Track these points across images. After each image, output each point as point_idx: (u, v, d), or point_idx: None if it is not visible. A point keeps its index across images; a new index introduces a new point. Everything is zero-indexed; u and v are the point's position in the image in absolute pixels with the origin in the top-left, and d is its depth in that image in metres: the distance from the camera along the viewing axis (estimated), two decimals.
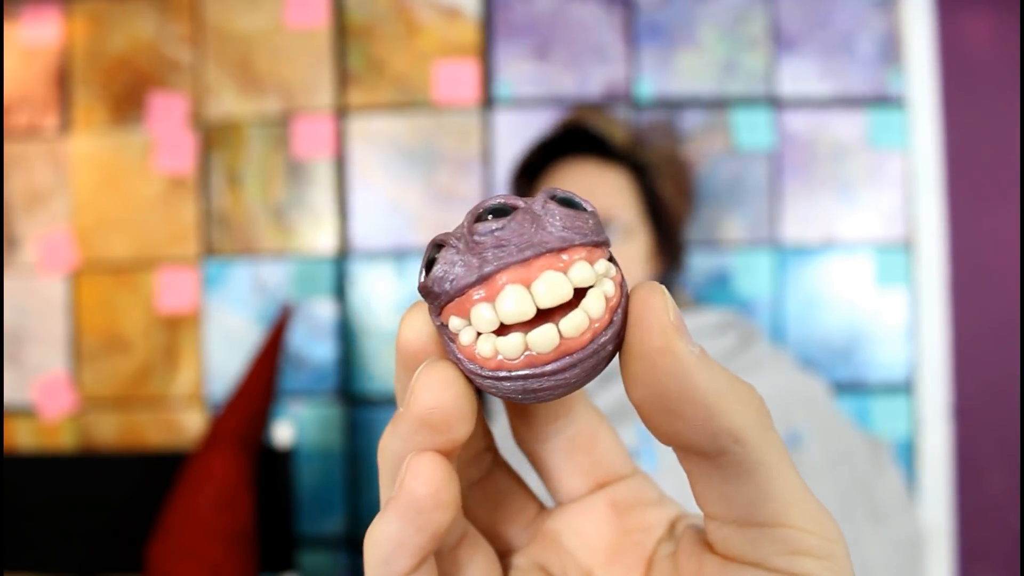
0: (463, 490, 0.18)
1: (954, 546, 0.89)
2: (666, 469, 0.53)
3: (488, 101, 0.95)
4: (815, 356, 0.92)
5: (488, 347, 0.14)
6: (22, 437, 0.98)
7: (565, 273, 0.14)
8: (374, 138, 0.96)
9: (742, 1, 0.93)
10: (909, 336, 0.91)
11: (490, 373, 0.14)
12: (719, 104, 0.93)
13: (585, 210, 0.15)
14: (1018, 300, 0.90)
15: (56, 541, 0.91)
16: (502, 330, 0.14)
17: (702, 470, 0.15)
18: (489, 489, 0.19)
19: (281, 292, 0.96)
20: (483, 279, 0.14)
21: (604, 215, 0.71)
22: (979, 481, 0.90)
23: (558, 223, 0.14)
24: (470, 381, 0.15)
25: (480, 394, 0.16)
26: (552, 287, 0.14)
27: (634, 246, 0.72)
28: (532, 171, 0.80)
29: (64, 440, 0.97)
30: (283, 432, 0.89)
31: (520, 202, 0.14)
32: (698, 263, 0.93)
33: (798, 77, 0.93)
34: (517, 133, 0.94)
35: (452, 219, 0.95)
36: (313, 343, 0.95)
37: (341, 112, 0.96)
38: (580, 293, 0.14)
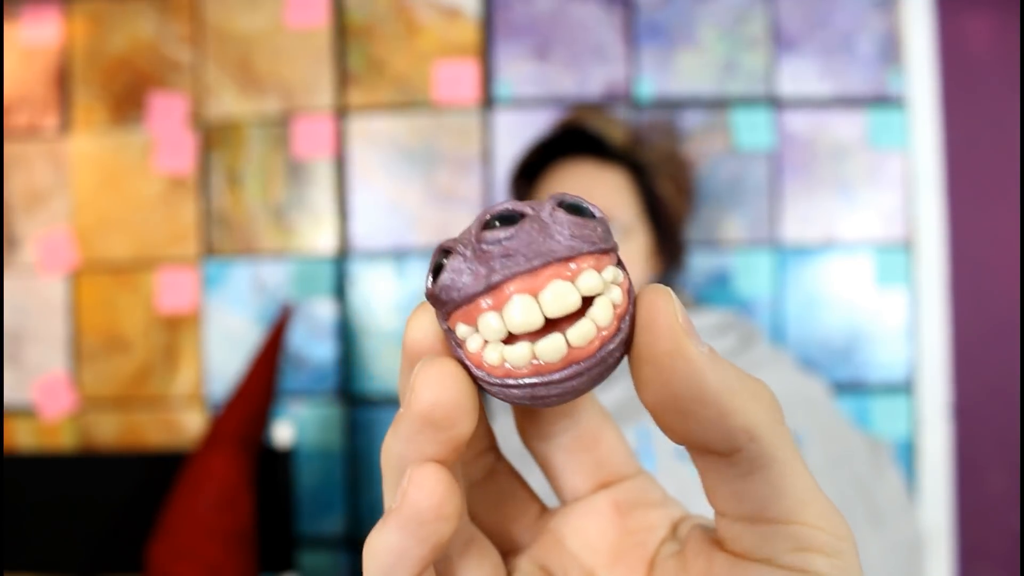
0: (465, 490, 0.18)
1: (954, 546, 0.89)
2: (665, 471, 0.53)
3: (488, 101, 0.95)
4: (815, 356, 0.92)
5: (495, 355, 0.14)
6: (22, 437, 0.98)
7: (573, 282, 0.14)
8: (374, 138, 0.96)
9: (742, 1, 0.93)
10: (909, 336, 0.91)
11: (497, 380, 0.15)
12: (719, 104, 0.93)
13: (593, 217, 0.15)
14: (1018, 300, 0.90)
15: (56, 541, 0.91)
16: (510, 339, 0.14)
17: (715, 468, 0.15)
18: (491, 489, 0.19)
19: (281, 292, 0.96)
20: (491, 288, 0.14)
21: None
22: (979, 481, 0.90)
23: (566, 231, 0.14)
24: (473, 380, 0.15)
25: (481, 394, 0.16)
26: (559, 297, 0.14)
27: (633, 246, 0.72)
28: (530, 172, 0.80)
29: (64, 440, 0.97)
30: (283, 432, 0.89)
31: (528, 209, 0.14)
32: (698, 263, 0.93)
33: (798, 77, 0.93)
34: (517, 133, 0.94)
35: (452, 219, 0.95)
36: (313, 343, 0.95)
37: (341, 112, 0.96)
38: (588, 300, 0.14)
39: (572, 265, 0.14)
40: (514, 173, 0.82)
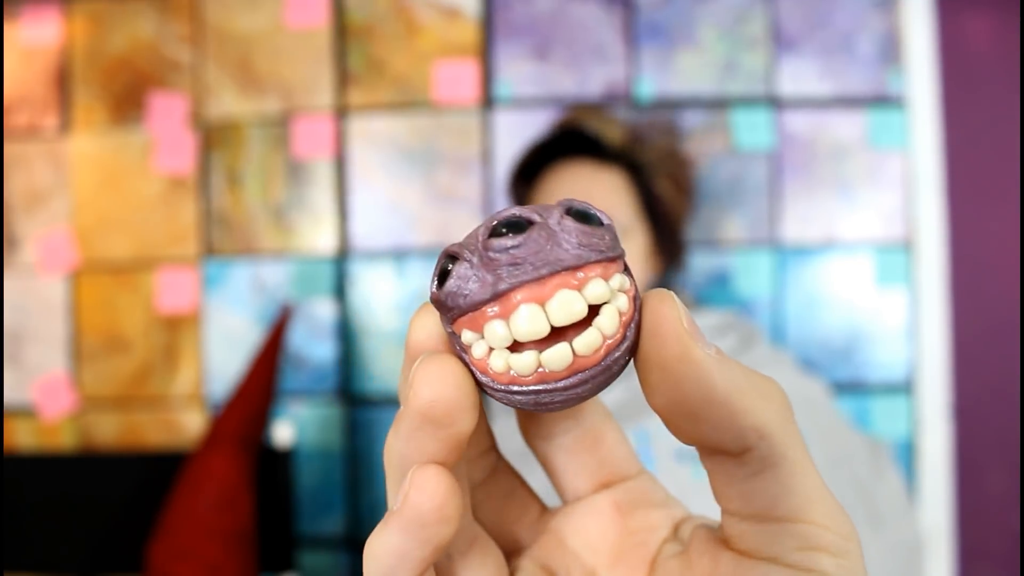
0: (468, 490, 0.18)
1: (954, 546, 0.89)
2: (664, 473, 0.53)
3: (488, 101, 0.95)
4: (815, 356, 0.92)
5: (501, 363, 0.14)
6: (22, 437, 0.98)
7: (580, 291, 0.14)
8: (374, 138, 0.96)
9: (742, 1, 0.93)
10: (909, 336, 0.91)
11: (502, 387, 0.15)
12: (719, 104, 0.93)
13: (601, 224, 0.15)
14: (1018, 300, 0.90)
15: (56, 541, 0.91)
16: (515, 346, 0.14)
17: (724, 467, 0.15)
18: (492, 490, 0.19)
19: (281, 292, 0.96)
20: (497, 296, 0.14)
21: None
22: (979, 481, 0.90)
23: (573, 239, 0.14)
24: (477, 384, 0.15)
25: (481, 394, 0.16)
26: (566, 306, 0.14)
27: (631, 246, 0.72)
28: (528, 174, 0.80)
29: (64, 440, 0.97)
30: (283, 432, 0.89)
31: (536, 216, 0.14)
32: (698, 263, 0.93)
33: (798, 77, 0.93)
34: (517, 133, 0.94)
35: (452, 219, 0.95)
36: (313, 343, 0.95)
37: (341, 112, 0.96)
38: (594, 308, 0.14)
39: (579, 274, 0.14)
40: (512, 175, 0.82)
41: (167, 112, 0.98)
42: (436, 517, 0.14)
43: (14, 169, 0.99)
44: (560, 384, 0.14)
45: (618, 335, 0.14)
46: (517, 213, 0.14)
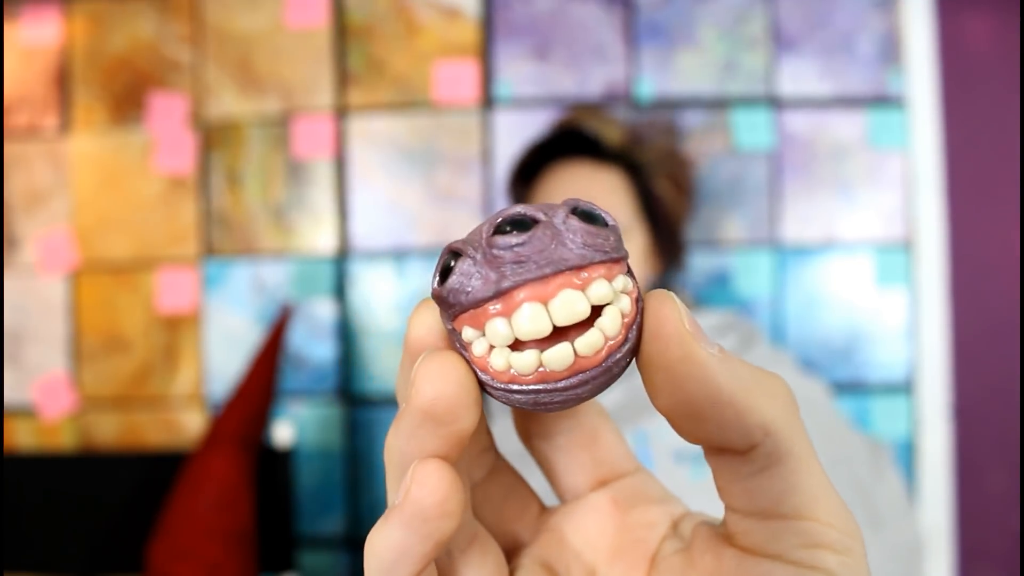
0: (469, 487, 0.18)
1: (954, 546, 0.89)
2: (663, 473, 0.53)
3: (488, 101, 0.95)
4: (815, 356, 0.92)
5: (502, 361, 0.14)
6: (22, 437, 0.98)
7: (583, 291, 0.14)
8: (374, 138, 0.96)
9: (742, 1, 0.93)
10: (909, 336, 0.91)
11: (502, 385, 0.15)
12: (719, 104, 0.93)
13: (606, 225, 0.15)
14: (1018, 300, 0.90)
15: (56, 541, 0.91)
16: (516, 344, 0.14)
17: (729, 465, 0.15)
18: (492, 489, 0.19)
19: (281, 292, 0.96)
20: (500, 294, 0.14)
21: None
22: (979, 481, 0.90)
23: (578, 239, 0.14)
24: (477, 382, 0.15)
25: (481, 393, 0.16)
26: (569, 306, 0.14)
27: (630, 247, 0.72)
28: (527, 174, 0.80)
29: (64, 440, 0.97)
30: (283, 432, 0.89)
31: (541, 214, 0.14)
32: (698, 263, 0.93)
33: (798, 77, 0.93)
34: (517, 133, 0.94)
35: (452, 219, 0.95)
36: (313, 343, 0.95)
37: (341, 112, 0.96)
38: (597, 309, 0.14)
39: (583, 274, 0.14)
40: (511, 177, 0.82)
41: (167, 112, 0.98)
42: (438, 512, 0.14)
43: (14, 169, 0.99)
44: (560, 384, 0.14)
45: (620, 336, 0.14)
46: (522, 211, 0.14)
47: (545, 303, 0.14)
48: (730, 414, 0.14)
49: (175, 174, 0.98)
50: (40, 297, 0.99)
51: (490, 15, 0.95)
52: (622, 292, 0.15)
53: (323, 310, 0.96)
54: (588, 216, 0.15)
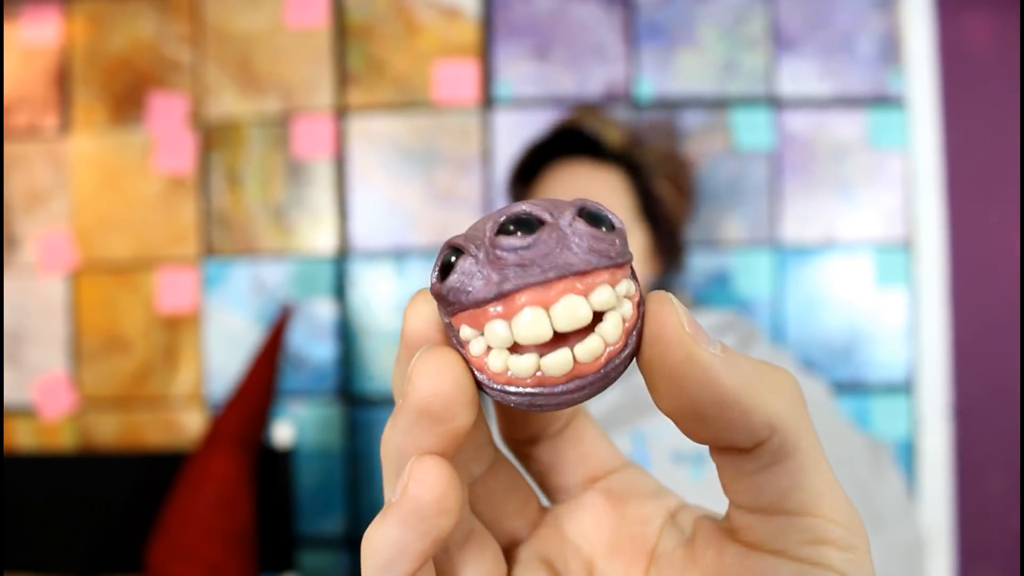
0: (467, 485, 0.18)
1: (954, 546, 0.89)
2: (662, 474, 0.53)
3: (488, 101, 0.95)
4: (815, 356, 0.92)
5: (500, 363, 0.14)
6: (22, 437, 0.98)
7: (586, 296, 0.14)
8: (374, 138, 0.96)
9: (742, 1, 0.93)
10: (909, 336, 0.91)
11: (498, 386, 0.14)
12: (719, 104, 0.93)
13: (613, 228, 0.14)
14: (1018, 300, 0.90)
15: (56, 541, 0.91)
16: (515, 347, 0.14)
17: (735, 462, 0.15)
18: (491, 484, 0.19)
19: (281, 292, 0.96)
20: (502, 296, 0.14)
21: None
22: (979, 481, 0.90)
23: (584, 243, 0.14)
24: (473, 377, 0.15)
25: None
26: (571, 312, 0.14)
27: (630, 247, 0.72)
28: (527, 174, 0.80)
29: (64, 440, 0.97)
30: (283, 432, 0.89)
31: (546, 215, 0.14)
32: (698, 263, 0.93)
33: (798, 77, 0.93)
34: (517, 133, 0.94)
35: (452, 219, 0.95)
36: (313, 343, 0.95)
37: (341, 112, 0.96)
38: (598, 313, 0.14)
39: (587, 279, 0.14)
40: (511, 177, 0.82)
41: (167, 112, 0.98)
42: (436, 509, 0.14)
43: (14, 169, 0.99)
44: (558, 389, 0.14)
45: (620, 342, 0.14)
46: (527, 210, 0.14)
47: (547, 308, 0.14)
48: (736, 414, 0.14)
49: (175, 174, 0.98)
50: (40, 297, 0.99)
51: (490, 15, 0.95)
52: (625, 296, 0.15)
53: (323, 310, 0.96)
54: (595, 218, 0.14)
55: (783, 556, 0.14)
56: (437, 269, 0.15)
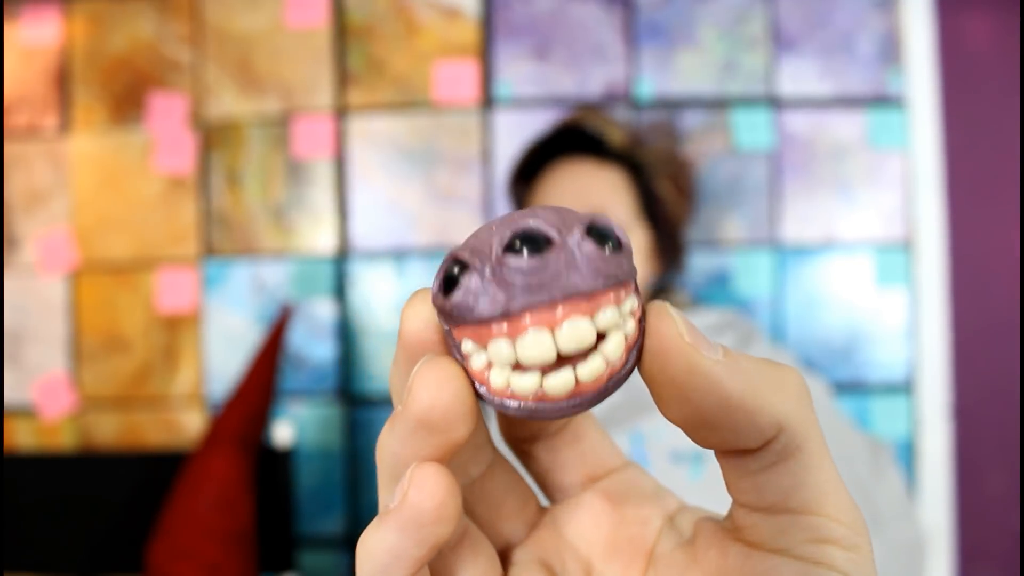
0: (464, 487, 0.18)
1: (954, 546, 0.89)
2: (660, 474, 0.53)
3: (488, 101, 0.95)
4: (815, 356, 0.92)
5: (502, 380, 0.14)
6: (22, 437, 0.98)
7: (591, 318, 0.14)
8: (374, 138, 0.96)
9: (742, 1, 0.93)
10: (909, 336, 0.91)
11: (498, 399, 0.14)
12: (719, 104, 0.93)
13: (620, 247, 0.14)
14: (1018, 300, 0.90)
15: (56, 541, 0.91)
16: (518, 364, 0.14)
17: (739, 462, 0.15)
18: (489, 486, 0.19)
19: (281, 292, 0.96)
20: (507, 316, 0.14)
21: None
22: (979, 481, 0.90)
23: (592, 265, 0.14)
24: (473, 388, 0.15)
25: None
26: (576, 335, 0.14)
27: None
28: (528, 173, 0.80)
29: (64, 440, 0.97)
30: (283, 432, 0.89)
31: (554, 232, 0.14)
32: (698, 263, 0.93)
33: (798, 77, 0.93)
34: (517, 133, 0.94)
35: (452, 219, 0.95)
36: (313, 343, 0.95)
37: (341, 112, 0.96)
38: (601, 331, 0.14)
39: (593, 301, 0.14)
40: (512, 175, 0.82)
41: (167, 112, 0.98)
42: (435, 517, 0.14)
43: (14, 169, 0.99)
44: (558, 405, 0.14)
45: (622, 360, 0.14)
46: (534, 227, 0.14)
47: (552, 329, 0.13)
48: (742, 418, 0.14)
49: (175, 174, 0.98)
50: (40, 297, 0.99)
51: (490, 15, 0.95)
52: (628, 313, 0.14)
53: (323, 310, 0.96)
54: (602, 236, 0.14)
55: (786, 555, 0.14)
56: (440, 281, 0.14)
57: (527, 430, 0.19)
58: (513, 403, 0.14)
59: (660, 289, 0.80)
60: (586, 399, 0.14)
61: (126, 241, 0.98)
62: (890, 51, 0.92)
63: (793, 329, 0.92)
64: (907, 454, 0.90)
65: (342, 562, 0.94)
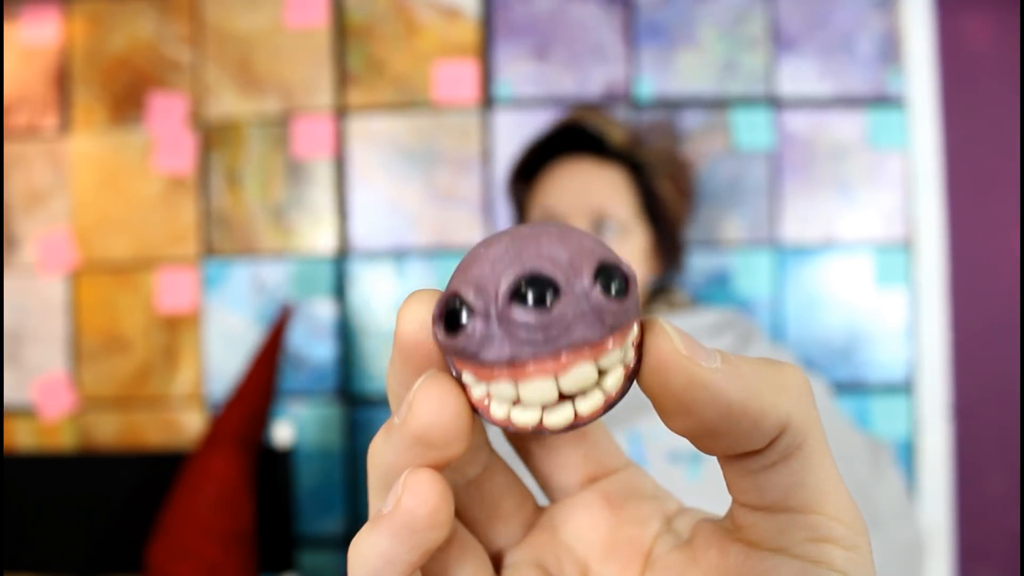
0: (460, 488, 0.18)
1: (954, 546, 0.89)
2: (658, 474, 0.53)
3: (488, 101, 0.95)
4: (815, 356, 0.92)
5: (502, 412, 0.14)
6: (22, 437, 0.98)
7: (595, 362, 0.14)
8: (374, 138, 0.96)
9: (742, 1, 0.93)
10: (909, 336, 0.91)
11: (498, 424, 0.15)
12: (719, 104, 0.93)
13: (627, 292, 0.14)
14: (1018, 300, 0.90)
15: (56, 541, 0.91)
16: (518, 400, 0.14)
17: (741, 463, 0.15)
18: (486, 487, 0.19)
19: (281, 292, 0.96)
20: (512, 363, 0.13)
21: (599, 213, 0.71)
22: (979, 481, 0.90)
23: (599, 314, 0.13)
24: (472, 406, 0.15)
25: None
26: (580, 378, 0.14)
27: (630, 245, 0.72)
28: (529, 172, 0.80)
29: (64, 440, 0.97)
30: (283, 432, 0.89)
31: (562, 278, 0.13)
32: (698, 263, 0.93)
33: (798, 77, 0.93)
34: (517, 133, 0.94)
35: (452, 219, 0.95)
36: (313, 343, 0.95)
37: (341, 112, 0.96)
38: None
39: (598, 347, 0.14)
40: (512, 173, 0.82)
41: (167, 112, 0.98)
42: (429, 523, 0.14)
43: (14, 169, 0.99)
44: (556, 430, 0.14)
45: (619, 388, 0.14)
46: (540, 272, 0.13)
47: (556, 375, 0.14)
48: (746, 423, 0.14)
49: (175, 174, 0.98)
50: (40, 297, 0.99)
51: (490, 15, 0.95)
52: (629, 346, 0.14)
53: (323, 310, 0.96)
54: (610, 278, 0.14)
55: (786, 554, 0.14)
56: (442, 319, 0.14)
57: None
58: (512, 428, 0.15)
59: (660, 289, 0.80)
60: (583, 423, 0.14)
61: (126, 241, 0.98)
62: (890, 51, 0.92)
63: (793, 329, 0.92)
64: (907, 454, 0.90)
65: (342, 562, 0.94)
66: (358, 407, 0.95)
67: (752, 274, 0.92)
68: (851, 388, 0.91)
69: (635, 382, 0.15)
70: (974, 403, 0.90)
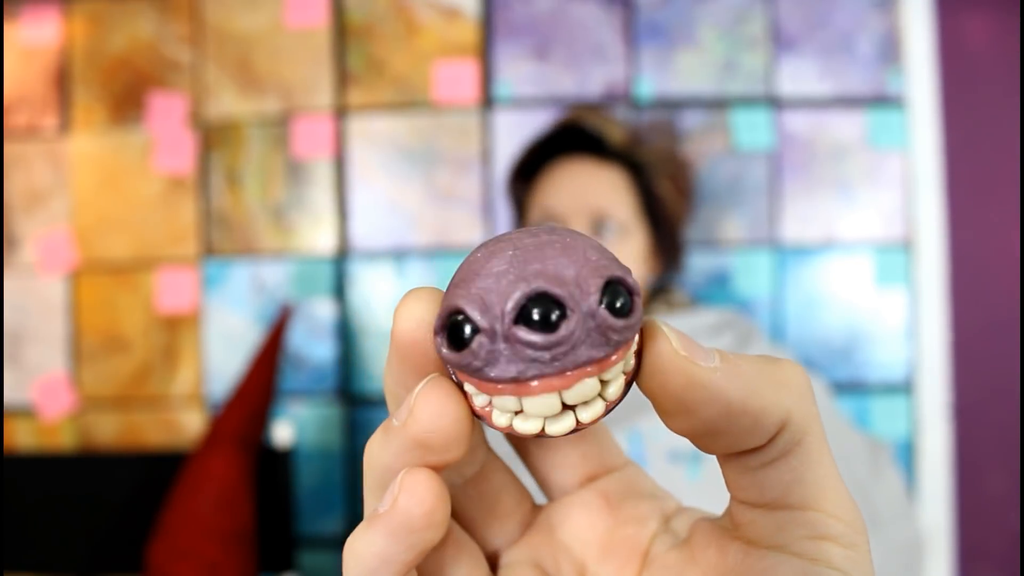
0: (456, 487, 0.18)
1: (954, 546, 0.89)
2: (658, 474, 0.53)
3: (488, 101, 0.95)
4: (815, 356, 0.92)
5: (504, 421, 0.14)
6: (22, 437, 0.98)
7: (599, 376, 0.14)
8: (374, 138, 0.96)
9: (742, 1, 0.93)
10: (909, 336, 0.91)
11: (500, 430, 0.15)
12: (719, 104, 0.93)
13: (632, 310, 0.14)
14: (1018, 300, 0.90)
15: (56, 541, 0.91)
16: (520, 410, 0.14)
17: (741, 460, 0.15)
18: (483, 486, 0.18)
19: (281, 292, 0.96)
20: (517, 380, 0.14)
21: (599, 213, 0.71)
22: (979, 481, 0.90)
23: (605, 334, 0.13)
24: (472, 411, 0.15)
25: None
26: (583, 393, 0.14)
27: (630, 246, 0.72)
28: (528, 171, 0.80)
29: (64, 440, 0.97)
30: (283, 432, 0.89)
31: (569, 300, 0.13)
32: (698, 263, 0.93)
33: (798, 77, 0.93)
34: (517, 133, 0.94)
35: (452, 219, 0.95)
36: (313, 343, 0.95)
37: (341, 112, 0.96)
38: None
39: (603, 363, 0.14)
40: (512, 173, 0.82)
41: (167, 112, 0.98)
42: (425, 523, 0.14)
43: (14, 169, 0.99)
44: (556, 436, 0.15)
45: (620, 394, 0.14)
46: (547, 291, 0.13)
47: (560, 391, 0.14)
48: (746, 421, 0.14)
49: (175, 174, 0.98)
50: (40, 297, 0.99)
51: (490, 15, 0.95)
52: (631, 354, 0.15)
53: (323, 310, 0.96)
54: (615, 296, 0.14)
55: (784, 552, 0.14)
56: (444, 335, 0.14)
57: None
58: (513, 434, 0.15)
59: (659, 289, 0.80)
60: (584, 428, 0.15)
61: (126, 241, 0.98)
62: (890, 51, 0.92)
63: (793, 329, 0.92)
64: (907, 454, 0.90)
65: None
66: (358, 407, 0.95)
67: (752, 274, 0.93)
68: (851, 388, 0.91)
69: (635, 384, 0.15)
70: (974, 403, 0.90)
